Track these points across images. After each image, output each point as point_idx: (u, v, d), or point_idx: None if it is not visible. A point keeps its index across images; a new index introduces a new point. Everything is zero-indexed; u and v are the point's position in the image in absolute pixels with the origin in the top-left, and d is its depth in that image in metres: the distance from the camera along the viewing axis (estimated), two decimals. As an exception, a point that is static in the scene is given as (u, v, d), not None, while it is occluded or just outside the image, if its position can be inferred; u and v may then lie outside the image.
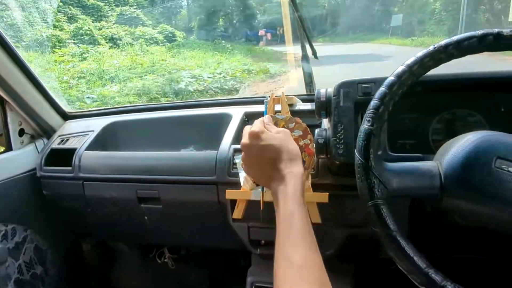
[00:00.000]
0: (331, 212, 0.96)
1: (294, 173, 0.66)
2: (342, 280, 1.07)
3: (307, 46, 1.28)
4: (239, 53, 10.94)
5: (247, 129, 0.74)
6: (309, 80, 1.30)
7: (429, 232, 0.87)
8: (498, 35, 0.58)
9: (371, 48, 12.88)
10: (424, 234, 0.85)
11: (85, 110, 1.62)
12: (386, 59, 8.60)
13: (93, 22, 9.15)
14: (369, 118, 0.62)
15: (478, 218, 0.58)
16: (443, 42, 0.62)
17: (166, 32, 10.91)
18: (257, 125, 0.74)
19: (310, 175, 0.95)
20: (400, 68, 0.63)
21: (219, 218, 1.11)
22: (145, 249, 1.67)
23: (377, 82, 0.84)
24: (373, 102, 0.63)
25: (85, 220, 1.36)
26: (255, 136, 0.70)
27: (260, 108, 1.21)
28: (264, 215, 1.03)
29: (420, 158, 0.79)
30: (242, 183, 1.00)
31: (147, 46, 9.18)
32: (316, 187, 0.93)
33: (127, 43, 8.88)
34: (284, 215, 0.62)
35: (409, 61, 0.63)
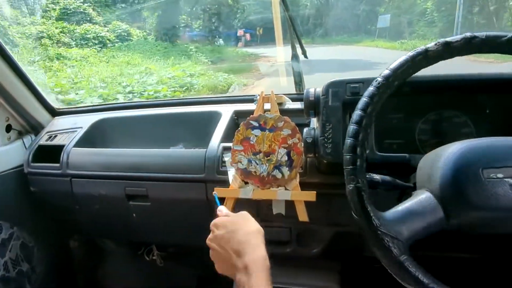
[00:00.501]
0: (319, 211, 0.97)
1: (256, 260, 0.64)
2: (328, 277, 1.08)
3: (297, 46, 1.29)
4: (204, 55, 10.26)
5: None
6: (298, 79, 1.30)
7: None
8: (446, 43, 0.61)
9: (356, 51, 12.26)
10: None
11: (74, 106, 1.61)
12: (376, 66, 7.83)
13: (24, 17, 8.16)
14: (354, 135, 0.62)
15: (486, 227, 0.59)
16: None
17: (119, 31, 9.92)
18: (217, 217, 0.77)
19: (298, 174, 0.96)
20: (386, 72, 0.64)
21: (208, 216, 1.11)
22: (133, 247, 1.66)
23: (366, 82, 0.85)
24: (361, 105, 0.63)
25: (73, 217, 1.35)
26: (213, 226, 0.74)
27: (249, 106, 1.22)
28: (256, 212, 1.04)
29: (406, 158, 0.80)
30: (231, 181, 1.00)
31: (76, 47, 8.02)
32: (304, 186, 0.94)
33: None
34: None
35: (394, 64, 0.64)
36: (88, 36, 8.75)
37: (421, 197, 0.60)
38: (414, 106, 0.92)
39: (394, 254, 0.55)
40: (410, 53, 0.63)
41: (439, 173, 0.59)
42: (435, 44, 0.62)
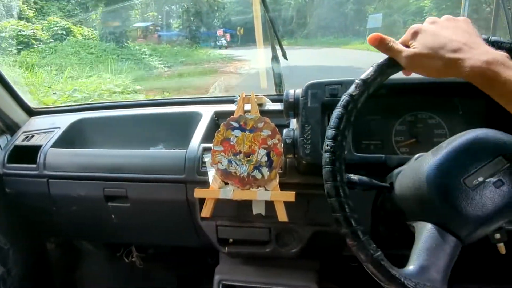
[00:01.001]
0: (298, 211, 0.99)
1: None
2: (307, 277, 1.10)
3: (277, 47, 1.30)
4: (162, 59, 9.10)
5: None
6: (279, 81, 1.32)
7: (391, 230, 0.90)
8: None
9: (343, 54, 11.18)
10: (387, 231, 0.88)
11: (51, 106, 1.59)
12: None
13: None
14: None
15: (495, 228, 0.59)
16: None
17: (55, 28, 8.35)
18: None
19: (278, 175, 0.97)
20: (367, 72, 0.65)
21: (188, 217, 1.11)
22: (112, 248, 1.64)
23: (344, 84, 0.86)
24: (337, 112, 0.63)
25: (50, 219, 1.33)
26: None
27: (230, 107, 1.22)
28: (236, 212, 1.05)
29: (382, 159, 0.82)
30: (211, 182, 1.00)
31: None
32: (283, 186, 0.95)
33: None
34: None
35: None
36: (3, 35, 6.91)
37: (426, 233, 0.58)
38: (391, 108, 0.94)
39: None
40: (386, 58, 0.65)
41: (428, 204, 0.59)
42: None
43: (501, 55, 0.51)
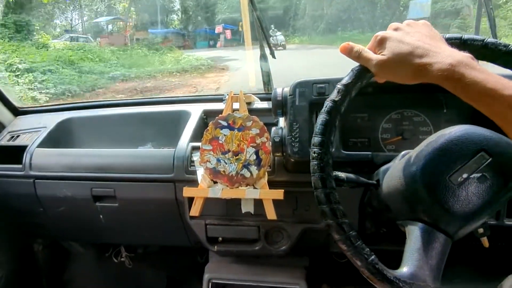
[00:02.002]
0: (286, 209, 0.99)
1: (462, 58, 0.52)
2: (296, 274, 1.10)
3: (265, 46, 1.30)
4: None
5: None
6: (267, 79, 1.32)
7: (378, 226, 0.91)
8: None
9: None
10: (374, 228, 0.89)
11: (38, 105, 1.56)
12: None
13: None
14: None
15: (482, 223, 0.60)
16: None
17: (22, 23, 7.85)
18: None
19: (266, 173, 0.97)
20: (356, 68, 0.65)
21: (177, 216, 1.11)
22: (100, 248, 1.63)
23: (331, 82, 0.87)
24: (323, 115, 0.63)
25: (37, 220, 1.31)
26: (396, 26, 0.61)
27: (218, 106, 1.22)
28: (225, 211, 1.05)
29: (369, 156, 0.83)
30: (199, 181, 1.00)
31: None
32: (272, 184, 0.96)
33: None
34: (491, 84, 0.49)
35: None
36: None
37: (417, 232, 0.59)
38: (377, 106, 0.95)
39: None
40: None
41: (415, 202, 0.60)
42: None
43: (465, 56, 0.52)
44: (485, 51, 0.59)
